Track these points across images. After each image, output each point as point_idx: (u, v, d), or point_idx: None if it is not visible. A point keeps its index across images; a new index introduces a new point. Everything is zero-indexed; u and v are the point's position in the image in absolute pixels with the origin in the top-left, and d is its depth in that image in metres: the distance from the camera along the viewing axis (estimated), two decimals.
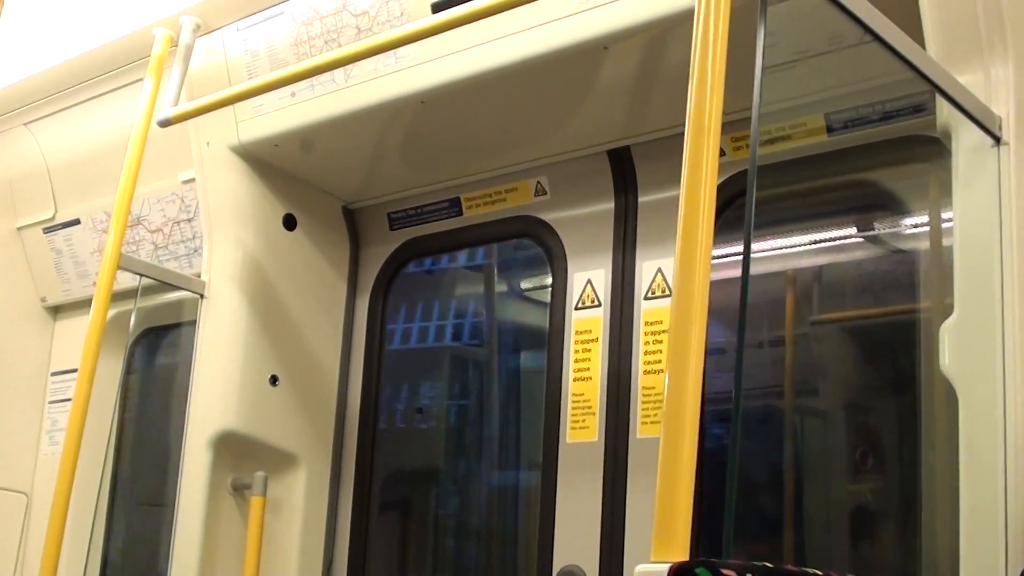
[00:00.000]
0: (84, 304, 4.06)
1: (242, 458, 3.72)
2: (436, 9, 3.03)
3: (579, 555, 3.33)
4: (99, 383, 3.47)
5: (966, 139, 2.45)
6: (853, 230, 3.37)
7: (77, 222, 4.47)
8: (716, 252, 3.05)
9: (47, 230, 4.57)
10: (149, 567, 4.45)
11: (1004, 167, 2.39)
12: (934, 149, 2.75)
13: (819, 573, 1.72)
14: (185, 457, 3.66)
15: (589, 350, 3.46)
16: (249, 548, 3.63)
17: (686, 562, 1.55)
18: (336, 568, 3.90)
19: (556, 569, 3.37)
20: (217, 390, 3.69)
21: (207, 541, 3.61)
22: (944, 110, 2.48)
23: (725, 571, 1.53)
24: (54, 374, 4.65)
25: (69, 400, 3.49)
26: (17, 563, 4.44)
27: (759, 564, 1.61)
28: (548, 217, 3.69)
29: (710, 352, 3.08)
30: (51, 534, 3.26)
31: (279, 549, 3.77)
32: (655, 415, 3.24)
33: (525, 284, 4.27)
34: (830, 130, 3.05)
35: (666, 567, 1.54)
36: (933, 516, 2.88)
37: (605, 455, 3.35)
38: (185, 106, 3.46)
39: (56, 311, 4.73)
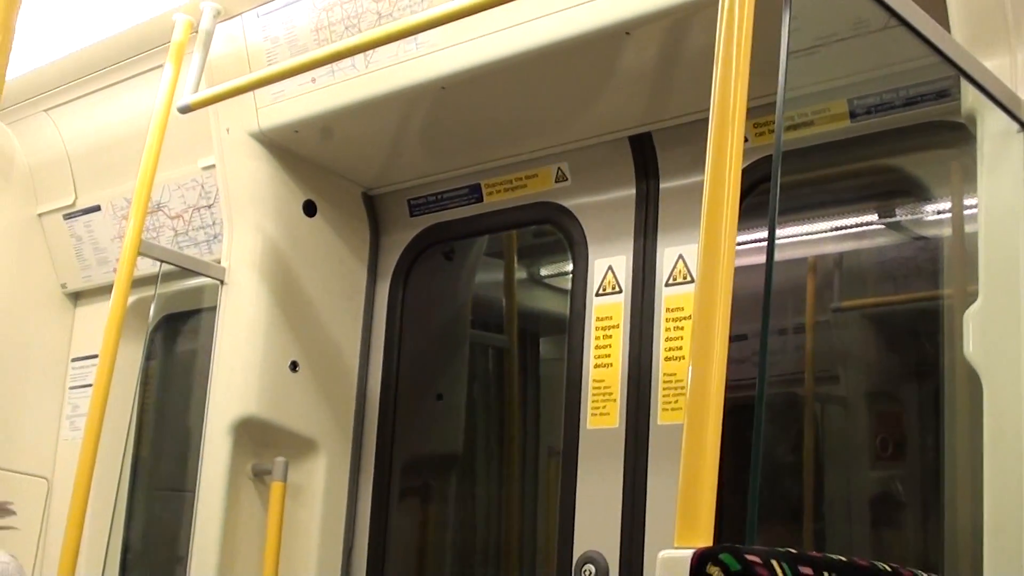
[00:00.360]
0: (104, 290, 4.07)
1: (262, 444, 3.73)
2: None
3: (600, 541, 3.33)
4: (119, 369, 3.47)
5: (991, 124, 2.43)
6: (876, 216, 3.35)
7: (97, 208, 4.47)
8: (740, 238, 3.05)
9: (67, 216, 4.58)
10: (170, 552, 4.47)
11: None
12: (959, 135, 2.73)
13: (843, 558, 1.71)
14: (205, 443, 3.66)
15: (610, 336, 3.45)
16: (269, 533, 3.64)
17: (710, 548, 1.54)
18: (356, 553, 3.90)
19: (577, 555, 3.37)
20: (237, 376, 3.70)
21: (228, 526, 3.62)
22: (969, 95, 2.47)
23: (749, 556, 1.53)
24: (74, 360, 4.66)
25: (89, 386, 3.49)
26: (38, 548, 4.46)
27: (783, 550, 1.61)
28: (569, 203, 3.68)
29: (732, 339, 3.08)
30: (72, 519, 3.28)
31: (299, 534, 3.77)
32: (676, 402, 3.23)
33: (545, 270, 4.27)
34: (853, 116, 3.03)
35: (690, 552, 1.53)
36: (956, 503, 2.87)
37: (626, 442, 3.34)
38: (205, 92, 3.46)
39: (76, 297, 4.74)
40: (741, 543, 1.62)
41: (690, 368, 1.69)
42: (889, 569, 1.77)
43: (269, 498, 3.67)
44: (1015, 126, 2.39)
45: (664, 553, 1.58)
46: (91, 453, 3.31)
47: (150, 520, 4.60)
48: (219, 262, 3.83)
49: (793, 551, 1.62)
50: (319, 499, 3.83)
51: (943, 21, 2.38)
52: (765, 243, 1.94)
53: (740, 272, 3.00)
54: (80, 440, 3.36)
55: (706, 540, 1.59)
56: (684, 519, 1.62)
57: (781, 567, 1.56)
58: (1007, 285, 2.36)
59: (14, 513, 3.41)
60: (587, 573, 3.32)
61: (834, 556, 1.71)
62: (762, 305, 1.95)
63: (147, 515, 4.58)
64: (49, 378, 4.63)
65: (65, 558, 3.26)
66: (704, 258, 1.74)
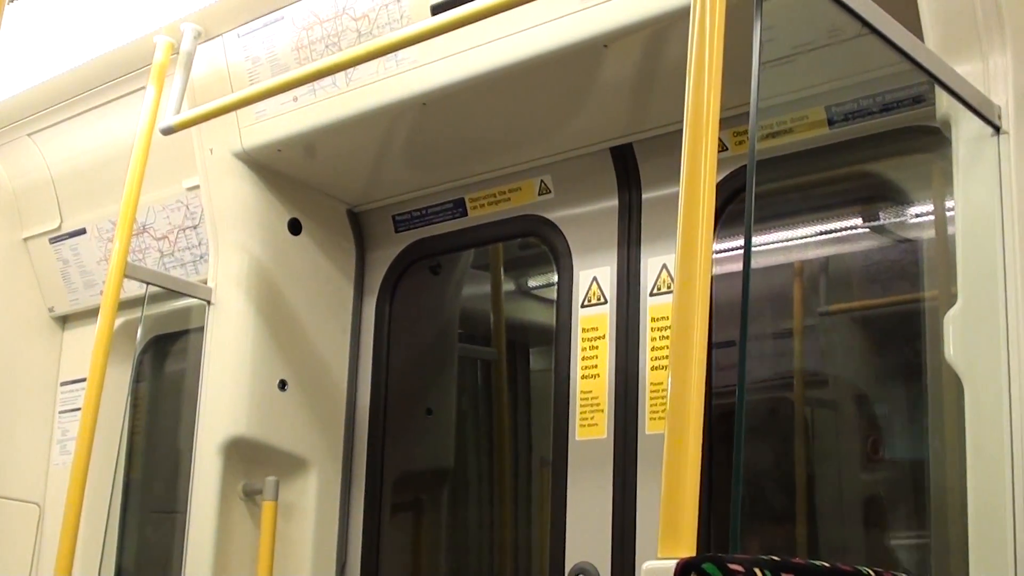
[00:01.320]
0: (92, 313, 4.07)
1: (253, 463, 3.73)
2: (436, 11, 3.04)
3: (591, 552, 3.33)
4: (108, 392, 3.48)
5: (966, 129, 2.45)
6: (857, 221, 3.37)
7: (83, 231, 4.48)
8: (724, 246, 3.06)
9: (53, 240, 4.58)
10: (163, 574, 4.46)
11: (1004, 156, 2.39)
12: (935, 139, 2.75)
13: (826, 564, 1.72)
14: (196, 463, 3.66)
15: (596, 347, 3.46)
16: (262, 553, 3.64)
17: (693, 558, 1.55)
18: (350, 570, 3.90)
19: (568, 566, 3.37)
20: (226, 396, 3.70)
21: (220, 547, 3.62)
22: (944, 100, 2.49)
23: (733, 566, 1.54)
24: (63, 384, 4.66)
25: (79, 410, 3.50)
26: (31, 573, 4.45)
27: (766, 557, 1.62)
28: (552, 216, 3.69)
29: (719, 346, 3.10)
30: (63, 544, 3.27)
31: (292, 553, 3.77)
32: (663, 411, 3.24)
33: (532, 282, 4.28)
34: (831, 122, 3.05)
35: (673, 563, 1.54)
36: (942, 504, 2.88)
37: (615, 452, 3.35)
38: (187, 113, 3.47)
39: (64, 321, 4.74)
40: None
41: (670, 377, 1.70)
42: (873, 573, 1.78)
43: (261, 517, 3.67)
44: (989, 130, 2.40)
45: (648, 564, 1.59)
46: (81, 477, 3.32)
47: (142, 543, 4.59)
48: (205, 282, 3.84)
49: (776, 558, 1.63)
50: (311, 517, 3.83)
51: (916, 28, 2.40)
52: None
53: (726, 279, 3.01)
54: (70, 464, 3.36)
55: (689, 550, 1.60)
56: (667, 529, 1.63)
57: (764, 574, 1.57)
58: (986, 287, 2.37)
59: None
60: None
61: (817, 562, 1.72)
62: (740, 313, 1.96)
63: (139, 538, 4.58)
64: (38, 403, 4.62)
65: None
66: (681, 267, 1.75)
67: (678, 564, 1.54)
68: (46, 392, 4.64)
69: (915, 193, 3.16)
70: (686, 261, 1.75)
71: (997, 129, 2.41)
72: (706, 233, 1.77)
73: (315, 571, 3.81)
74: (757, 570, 1.56)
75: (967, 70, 2.43)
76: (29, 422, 4.59)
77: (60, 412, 4.62)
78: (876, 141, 3.03)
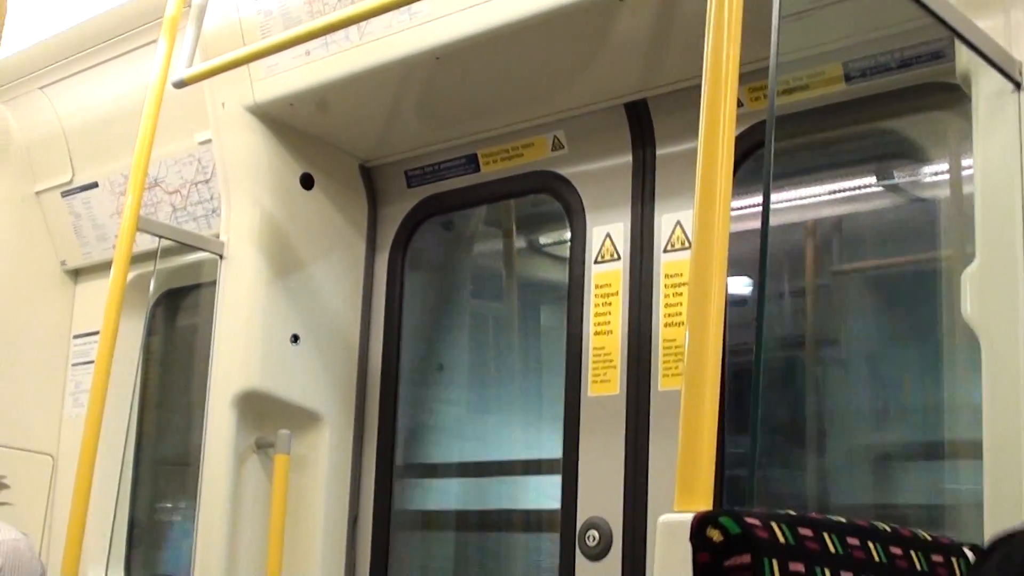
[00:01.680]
0: (104, 267, 4.07)
1: (265, 417, 3.74)
2: None
3: (603, 507, 3.34)
4: (121, 345, 3.49)
5: (986, 85, 2.43)
6: (873, 179, 3.35)
7: (95, 185, 4.47)
8: (737, 203, 3.05)
9: (65, 194, 4.58)
10: (176, 526, 4.49)
11: None
12: (954, 96, 2.73)
13: (842, 520, 1.72)
14: (209, 417, 3.68)
15: (609, 304, 3.46)
16: (275, 505, 3.65)
17: (710, 511, 1.55)
18: (361, 523, 3.92)
19: (580, 521, 3.38)
20: (239, 350, 3.71)
21: (233, 499, 3.64)
22: (963, 56, 2.47)
23: (749, 519, 1.54)
24: (76, 337, 4.67)
25: (92, 362, 3.50)
26: (45, 525, 4.48)
27: (783, 512, 1.62)
28: (566, 172, 3.68)
29: (732, 303, 3.10)
30: (77, 495, 3.29)
31: (304, 506, 3.79)
32: (676, 367, 3.24)
33: (544, 239, 4.26)
34: (848, 78, 3.03)
35: (690, 516, 1.54)
36: (957, 462, 2.88)
37: (627, 408, 3.36)
38: (199, 67, 3.45)
39: (76, 274, 4.75)
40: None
41: (687, 333, 1.70)
42: (889, 529, 1.78)
43: (273, 471, 3.69)
44: (1009, 85, 2.39)
45: (664, 518, 1.59)
46: (95, 429, 3.33)
47: (156, 495, 4.62)
48: (218, 236, 3.83)
49: (793, 513, 1.64)
50: (323, 470, 3.85)
51: None
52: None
53: (740, 237, 3.00)
54: (84, 416, 3.37)
55: (706, 504, 1.60)
56: (683, 484, 1.63)
57: (781, 529, 1.57)
58: (1004, 244, 2.36)
59: (7, 487, 3.42)
60: (591, 539, 3.34)
61: (834, 518, 1.72)
62: (758, 269, 1.96)
63: (153, 490, 4.61)
64: (51, 355, 4.64)
65: (72, 534, 3.28)
66: (699, 223, 1.75)
67: (695, 517, 1.54)
68: (59, 345, 4.66)
69: (932, 150, 3.14)
70: (704, 218, 1.75)
71: (1018, 85, 2.39)
72: (724, 190, 1.76)
73: (327, 524, 3.82)
74: (774, 524, 1.56)
75: (988, 25, 2.41)
76: (42, 374, 4.61)
77: (73, 365, 4.64)
78: (894, 98, 3.00)
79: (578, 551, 3.37)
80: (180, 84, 3.46)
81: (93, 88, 4.34)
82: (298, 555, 3.75)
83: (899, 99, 3.00)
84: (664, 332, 3.32)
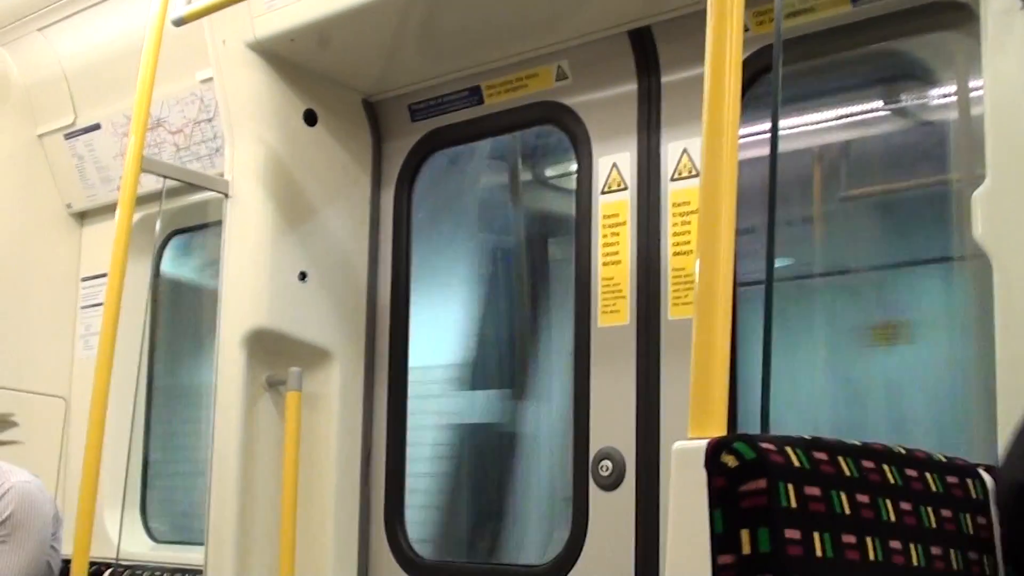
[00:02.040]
0: (110, 209, 4.06)
1: (276, 355, 3.75)
2: None
3: (616, 437, 3.35)
4: (129, 287, 3.49)
5: (995, 2, 2.40)
6: (882, 102, 3.32)
7: (98, 127, 4.46)
8: (742, 131, 3.02)
9: (68, 136, 4.57)
10: (190, 465, 4.52)
11: None
12: (962, 14, 2.70)
13: (857, 443, 1.72)
14: (219, 355, 3.68)
15: (617, 234, 3.45)
16: (287, 443, 3.67)
17: (724, 437, 1.55)
18: (375, 458, 3.94)
19: (593, 452, 3.40)
20: (247, 288, 3.70)
21: (246, 437, 3.65)
22: None
23: (763, 444, 1.54)
24: (84, 279, 4.68)
25: (100, 304, 3.51)
26: (59, 466, 4.51)
27: (796, 436, 1.62)
28: (570, 102, 3.65)
29: (741, 233, 3.08)
30: (91, 438, 3.30)
31: (317, 442, 3.81)
32: (686, 296, 3.23)
33: (551, 170, 4.24)
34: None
35: (704, 443, 1.54)
36: (969, 381, 2.88)
37: (637, 338, 3.36)
38: (198, 3, 3.43)
39: (82, 217, 4.74)
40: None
41: (698, 261, 1.69)
42: (904, 451, 1.79)
43: (285, 408, 3.70)
44: (1018, 3, 2.36)
45: (679, 444, 1.59)
46: (106, 371, 3.33)
47: (169, 435, 4.64)
48: (222, 175, 3.82)
49: (807, 437, 1.64)
50: (335, 407, 3.86)
51: None
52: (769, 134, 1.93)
53: (747, 164, 2.98)
54: (94, 359, 3.38)
55: (720, 430, 1.61)
56: (697, 411, 1.63)
57: (795, 453, 1.57)
58: (1015, 165, 2.34)
59: (16, 424, 3.44)
60: (604, 469, 3.35)
61: (848, 441, 1.72)
62: (767, 195, 1.94)
63: (165, 430, 4.63)
64: (60, 299, 4.65)
65: (86, 477, 3.29)
66: (707, 151, 1.73)
67: (709, 443, 1.54)
68: (67, 288, 4.67)
69: (941, 72, 3.11)
70: (712, 145, 1.74)
71: None
72: (732, 116, 1.75)
73: (340, 461, 3.84)
74: (788, 449, 1.57)
75: None
76: (52, 318, 4.62)
77: (82, 307, 4.65)
78: (901, 18, 2.97)
79: (591, 481, 3.38)
80: (179, 21, 3.44)
81: (92, 28, 4.31)
82: (312, 492, 3.77)
83: (907, 19, 2.96)
84: (673, 261, 3.31)
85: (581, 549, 3.39)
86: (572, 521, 3.44)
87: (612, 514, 3.33)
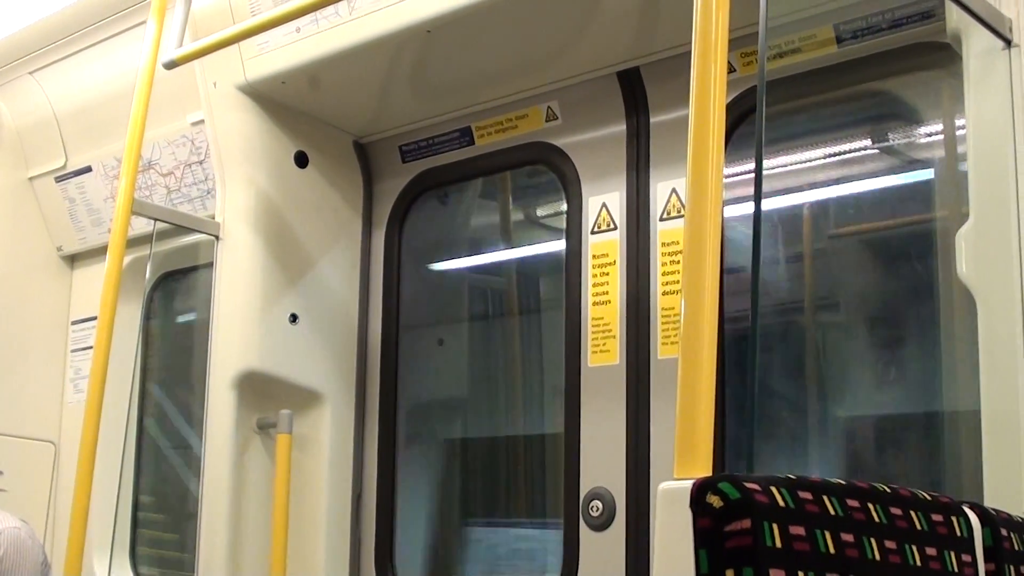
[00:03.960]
0: (101, 252, 4.07)
1: (266, 397, 3.74)
2: None
3: (606, 477, 3.35)
4: (119, 330, 3.48)
5: (976, 43, 2.42)
6: (868, 141, 3.34)
7: (88, 169, 4.46)
8: (732, 170, 3.03)
9: (59, 179, 4.57)
10: (180, 509, 4.50)
11: (1016, 69, 2.37)
12: (945, 55, 2.72)
13: (842, 482, 1.72)
14: (209, 398, 3.68)
15: (607, 274, 3.46)
16: (278, 485, 3.66)
17: (709, 477, 1.55)
18: (366, 500, 3.93)
19: (584, 492, 3.39)
20: (237, 330, 3.71)
21: (236, 480, 3.65)
22: (953, 14, 2.46)
23: (748, 484, 1.54)
24: (74, 323, 4.67)
25: (90, 348, 3.50)
26: (48, 511, 4.49)
27: (782, 476, 1.62)
28: (560, 142, 3.67)
29: (728, 271, 3.09)
30: (80, 482, 3.29)
31: (308, 485, 3.80)
32: (675, 335, 3.23)
33: (541, 210, 4.25)
34: (840, 41, 3.02)
35: (690, 483, 1.54)
36: (956, 421, 2.88)
37: (627, 377, 3.36)
38: (189, 47, 3.43)
39: (73, 260, 4.74)
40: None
41: (683, 301, 1.70)
42: (888, 489, 1.79)
43: (276, 451, 3.69)
44: (999, 43, 2.38)
45: (664, 485, 1.59)
46: (95, 415, 3.33)
47: (159, 479, 4.62)
48: (213, 218, 3.83)
49: (792, 477, 1.64)
50: (326, 449, 3.85)
51: None
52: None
53: (736, 204, 2.99)
54: (84, 403, 3.37)
55: (705, 470, 1.61)
56: (682, 451, 1.63)
57: (780, 493, 1.57)
58: (998, 203, 2.36)
59: (1, 473, 3.42)
60: (594, 509, 3.35)
61: (833, 480, 1.72)
62: (752, 234, 1.95)
63: (155, 474, 4.61)
64: (50, 342, 4.64)
65: (75, 522, 3.28)
66: (692, 190, 1.74)
67: (695, 484, 1.54)
68: (57, 331, 4.66)
69: (925, 111, 3.13)
70: (697, 184, 1.74)
71: (1008, 43, 2.38)
72: (716, 156, 1.76)
73: (331, 502, 3.83)
74: (773, 488, 1.56)
75: None
76: (42, 361, 4.61)
77: (72, 351, 4.64)
78: (885, 59, 3.00)
79: (582, 522, 3.38)
80: (171, 65, 3.45)
81: (83, 72, 4.32)
82: (303, 534, 3.76)
83: (891, 60, 2.99)
84: (662, 300, 3.32)
85: None
86: (563, 561, 3.43)
87: (603, 554, 3.33)
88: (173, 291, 4.67)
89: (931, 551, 1.76)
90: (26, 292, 4.61)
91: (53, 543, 4.33)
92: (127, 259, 3.52)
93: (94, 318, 3.52)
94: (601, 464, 3.38)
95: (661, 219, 3.38)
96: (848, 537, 1.62)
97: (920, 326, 3.19)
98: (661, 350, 3.30)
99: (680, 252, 3.26)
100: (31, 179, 4.66)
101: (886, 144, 3.28)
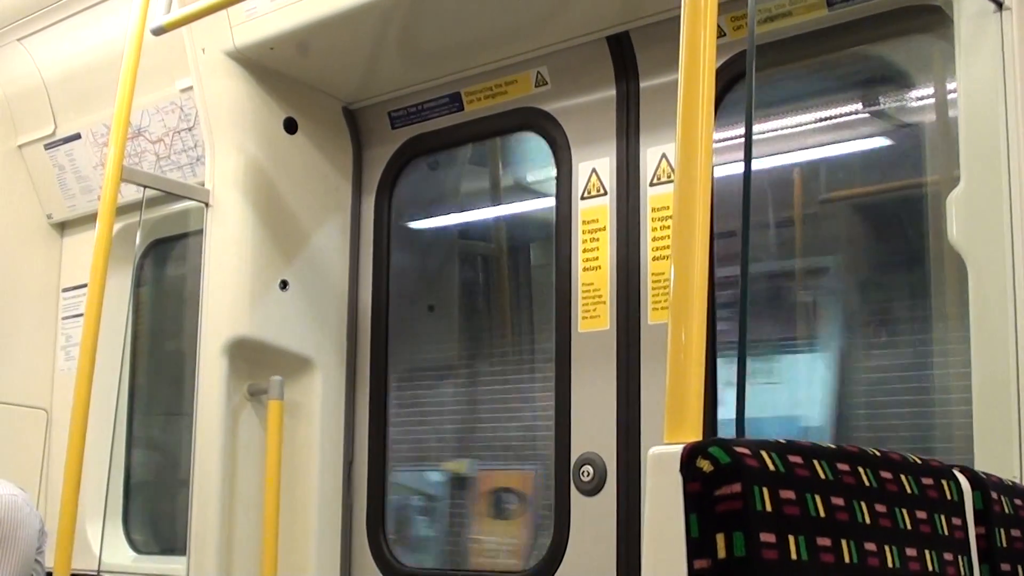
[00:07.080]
0: (90, 219, 4.06)
1: (257, 364, 3.74)
2: None
3: (596, 442, 3.36)
4: (110, 297, 3.48)
5: (968, 5, 2.42)
6: (859, 105, 3.33)
7: (78, 136, 4.45)
8: (722, 135, 3.03)
9: (48, 146, 4.56)
10: (172, 475, 4.51)
11: (1007, 32, 2.36)
12: (936, 18, 2.71)
13: (832, 446, 1.73)
14: (200, 365, 3.68)
15: (597, 239, 3.46)
16: (269, 452, 3.67)
17: (699, 442, 1.56)
18: (357, 465, 3.94)
19: (574, 457, 3.40)
20: (228, 297, 3.70)
21: (227, 446, 3.65)
22: None
23: (738, 448, 1.54)
24: (65, 290, 4.67)
25: (81, 315, 3.50)
26: (41, 478, 4.49)
27: (772, 440, 1.62)
28: (550, 107, 3.66)
29: (720, 236, 3.09)
30: (72, 448, 3.30)
31: (299, 451, 3.81)
32: (666, 301, 3.24)
33: (530, 176, 4.25)
34: (830, 4, 3.01)
35: (680, 448, 1.55)
36: (946, 385, 2.89)
37: (618, 343, 3.37)
38: (178, 13, 3.42)
39: (63, 227, 4.73)
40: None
41: (672, 266, 1.70)
42: (878, 453, 1.79)
43: (267, 417, 3.70)
44: (991, 6, 2.37)
45: (655, 449, 1.59)
46: (87, 382, 3.33)
47: (150, 445, 4.63)
48: (203, 184, 3.81)
49: (782, 441, 1.64)
50: (317, 415, 3.86)
51: None
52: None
53: (726, 169, 2.98)
54: (75, 370, 3.37)
55: (695, 435, 1.61)
56: (673, 416, 1.63)
57: (770, 457, 1.58)
58: (989, 166, 2.36)
59: None
60: (585, 474, 3.36)
61: (823, 444, 1.73)
62: (742, 200, 1.95)
63: (147, 440, 4.61)
64: (41, 310, 4.64)
65: (68, 488, 3.28)
66: (682, 155, 1.74)
67: (685, 448, 1.54)
68: (48, 299, 4.65)
69: (916, 75, 3.12)
70: (687, 149, 1.74)
71: (1000, 5, 2.38)
72: (706, 120, 1.75)
73: (323, 468, 3.84)
74: (763, 452, 1.57)
75: None
76: (33, 329, 4.61)
77: (63, 318, 4.63)
78: (876, 22, 2.98)
79: (573, 487, 3.39)
80: (159, 31, 3.43)
81: (72, 38, 4.30)
82: (295, 500, 3.77)
83: (882, 23, 2.98)
84: (652, 266, 3.32)
85: (563, 555, 3.40)
86: (554, 527, 3.44)
87: (594, 519, 3.34)
88: (163, 258, 4.67)
89: (921, 514, 1.76)
90: (16, 260, 4.60)
91: (46, 510, 4.32)
92: (117, 226, 3.52)
93: (84, 285, 3.52)
94: (592, 429, 3.39)
95: (651, 184, 3.37)
96: (838, 501, 1.63)
97: (910, 292, 3.19)
98: (651, 315, 3.30)
99: (670, 217, 3.26)
100: (20, 147, 4.64)
101: (877, 108, 3.27)
